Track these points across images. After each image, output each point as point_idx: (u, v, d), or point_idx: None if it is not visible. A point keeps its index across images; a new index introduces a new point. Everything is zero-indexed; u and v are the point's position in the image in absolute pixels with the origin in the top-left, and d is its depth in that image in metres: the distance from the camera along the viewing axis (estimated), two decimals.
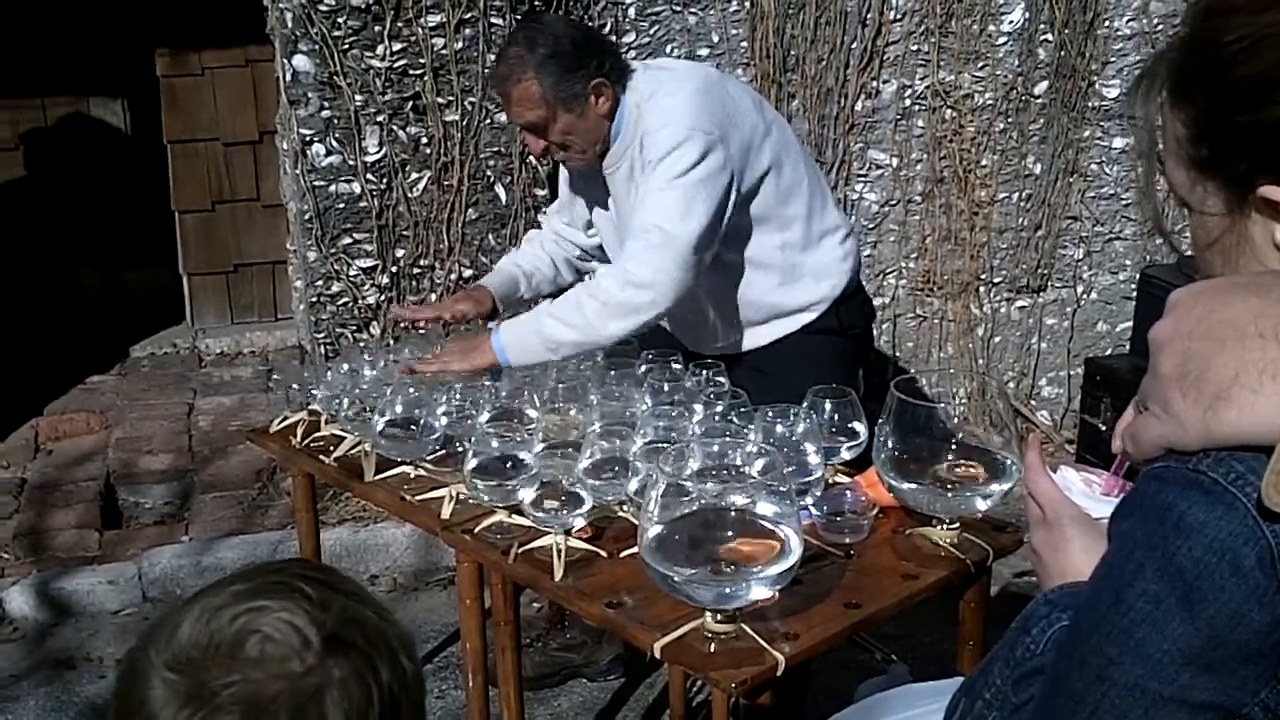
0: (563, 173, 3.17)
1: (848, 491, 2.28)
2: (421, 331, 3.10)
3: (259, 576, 1.12)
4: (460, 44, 4.02)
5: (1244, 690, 0.93)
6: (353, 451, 2.70)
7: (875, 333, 4.28)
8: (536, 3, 4.07)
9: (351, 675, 1.05)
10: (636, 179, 2.77)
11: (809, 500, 2.20)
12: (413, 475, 2.58)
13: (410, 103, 4.05)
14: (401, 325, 3.55)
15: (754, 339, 2.95)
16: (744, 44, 4.38)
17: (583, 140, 2.79)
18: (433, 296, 4.22)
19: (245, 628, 1.04)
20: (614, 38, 4.25)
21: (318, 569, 1.17)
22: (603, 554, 2.20)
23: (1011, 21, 4.52)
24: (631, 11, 4.27)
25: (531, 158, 2.91)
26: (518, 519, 2.30)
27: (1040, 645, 1.10)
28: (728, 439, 2.18)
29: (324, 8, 3.89)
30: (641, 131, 2.73)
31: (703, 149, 2.65)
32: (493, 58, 4.02)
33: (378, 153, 4.07)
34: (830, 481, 2.34)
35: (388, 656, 1.08)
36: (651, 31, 4.30)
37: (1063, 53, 4.56)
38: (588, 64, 2.72)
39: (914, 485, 2.10)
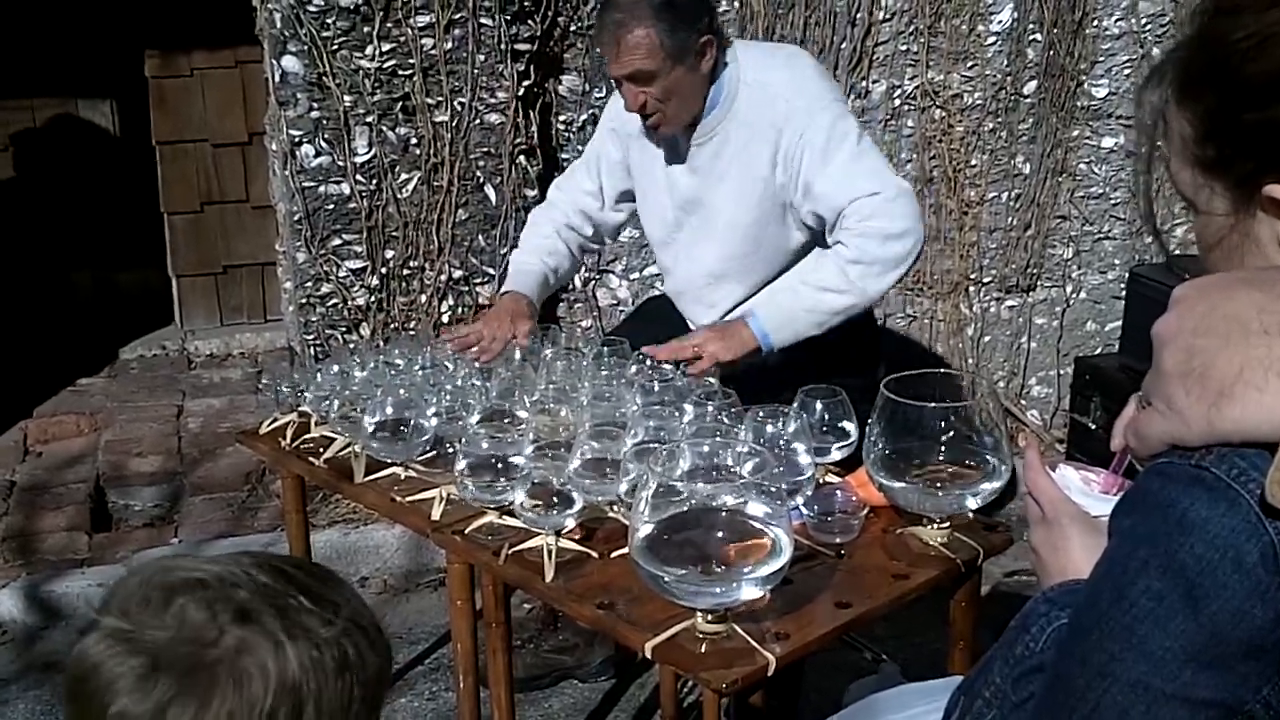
0: (604, 139, 3.09)
1: (838, 491, 2.28)
2: (412, 333, 3.09)
3: (227, 553, 1.17)
4: (449, 44, 4.01)
5: (1246, 687, 0.93)
6: (343, 453, 2.69)
7: None
8: (525, 3, 4.06)
9: (254, 660, 1.05)
10: (741, 152, 2.79)
11: (799, 500, 2.20)
12: (403, 476, 2.57)
13: (400, 103, 4.04)
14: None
15: None
16: None
17: (680, 98, 2.76)
18: (422, 298, 4.22)
19: (177, 587, 1.08)
20: None
21: (292, 562, 1.18)
22: (594, 555, 2.20)
23: (1000, 21, 4.52)
24: None
25: (624, 110, 2.77)
26: (508, 520, 2.29)
27: (1040, 643, 1.10)
28: (718, 439, 2.18)
29: (313, 8, 3.88)
30: (763, 100, 2.75)
31: (852, 116, 2.78)
32: (481, 58, 4.03)
33: (367, 153, 4.06)
34: (821, 481, 2.34)
35: (307, 651, 1.08)
36: None
37: (1051, 52, 4.57)
38: (701, 19, 2.72)
39: (904, 484, 2.10)
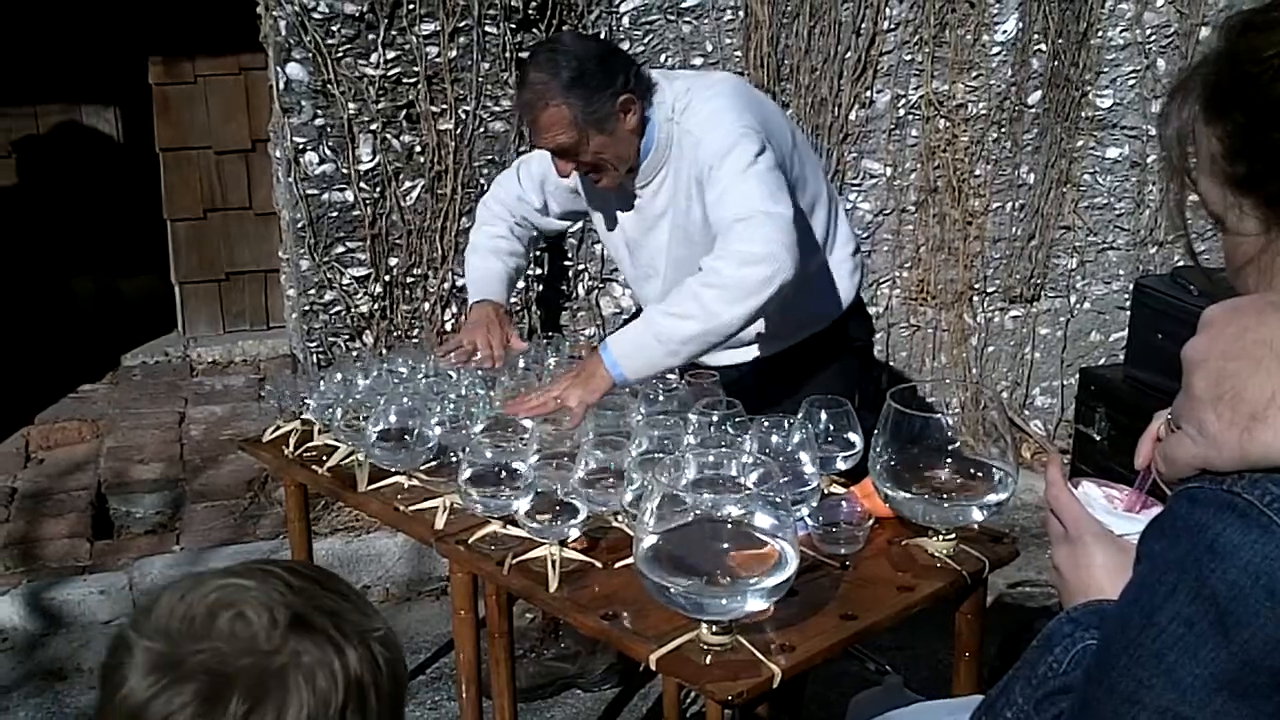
0: (551, 163, 2.93)
1: (843, 502, 2.27)
2: (416, 341, 3.08)
3: (242, 565, 1.16)
4: (454, 52, 4.01)
5: (1278, 717, 0.92)
6: (345, 461, 2.69)
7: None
8: (530, 12, 4.06)
9: (317, 661, 1.06)
10: (676, 191, 2.75)
11: (805, 511, 2.19)
12: (406, 485, 2.56)
13: (404, 111, 4.04)
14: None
15: (763, 348, 2.93)
16: (738, 53, 4.37)
17: (614, 158, 2.73)
18: (425, 305, 4.21)
19: (220, 602, 1.07)
20: None
21: (304, 565, 1.20)
22: (598, 565, 2.19)
23: (1005, 31, 4.52)
24: (626, 20, 4.27)
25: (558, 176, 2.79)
26: (512, 529, 2.29)
27: (1063, 664, 1.08)
28: (723, 449, 2.17)
29: (317, 16, 3.88)
30: (688, 142, 2.69)
31: (759, 143, 2.60)
32: (486, 66, 4.03)
33: (371, 161, 4.06)
34: (826, 492, 2.33)
35: (358, 648, 1.09)
36: (646, 40, 4.29)
37: (1056, 62, 4.57)
38: (614, 81, 2.66)
39: (910, 496, 2.09)
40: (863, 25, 4.43)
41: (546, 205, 3.10)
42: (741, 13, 4.33)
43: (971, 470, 2.10)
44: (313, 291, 4.15)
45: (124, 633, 1.09)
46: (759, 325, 2.75)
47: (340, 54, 3.93)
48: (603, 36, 4.23)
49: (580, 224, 3.24)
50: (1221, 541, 0.92)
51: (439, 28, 3.98)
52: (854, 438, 2.39)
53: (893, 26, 4.47)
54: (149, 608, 1.10)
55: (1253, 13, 1.02)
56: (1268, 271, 1.03)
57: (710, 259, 2.55)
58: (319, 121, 3.99)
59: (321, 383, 2.91)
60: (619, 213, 2.93)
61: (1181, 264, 4.59)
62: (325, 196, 4.06)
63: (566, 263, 4.46)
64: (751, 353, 2.92)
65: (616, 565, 2.17)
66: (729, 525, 1.86)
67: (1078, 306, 4.88)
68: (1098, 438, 4.35)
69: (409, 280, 4.20)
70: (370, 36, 3.94)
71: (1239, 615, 0.90)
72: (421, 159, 4.09)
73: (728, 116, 2.65)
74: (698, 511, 1.87)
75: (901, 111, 4.56)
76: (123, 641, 1.08)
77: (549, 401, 2.55)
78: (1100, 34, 4.60)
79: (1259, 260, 1.03)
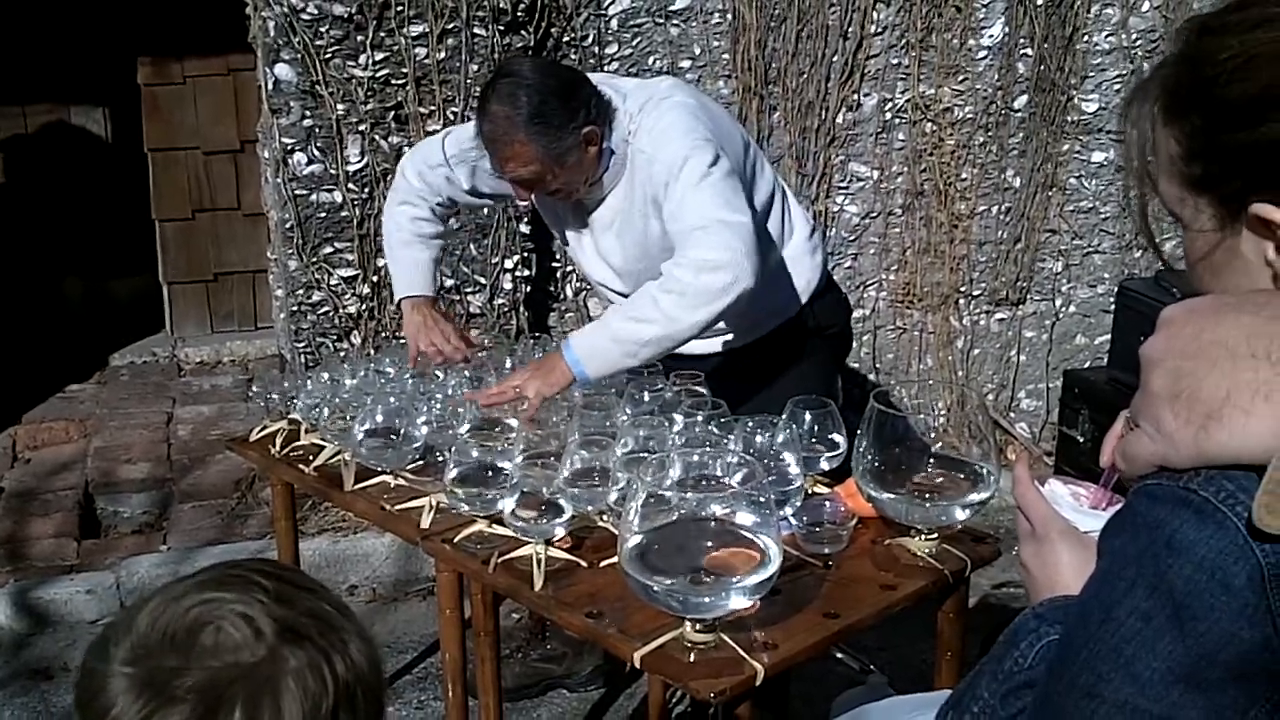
0: (481, 151, 2.86)
1: (827, 502, 2.28)
2: (403, 342, 3.10)
3: (217, 571, 1.15)
4: (443, 54, 4.02)
5: (1233, 709, 0.93)
6: (332, 461, 2.70)
7: (855, 345, 4.30)
8: (519, 14, 4.07)
9: (306, 666, 1.06)
10: (630, 206, 2.76)
11: (788, 510, 2.21)
12: (393, 485, 2.57)
13: (392, 112, 4.05)
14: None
15: (735, 338, 2.94)
16: (725, 56, 4.39)
17: (577, 182, 2.74)
18: None
19: (200, 618, 1.07)
20: (596, 49, 4.26)
21: (277, 566, 1.20)
22: (583, 564, 2.20)
23: (991, 36, 4.54)
24: (614, 23, 4.28)
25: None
26: (498, 529, 2.30)
27: (1029, 659, 1.10)
28: (708, 449, 2.18)
29: (306, 17, 3.89)
30: (641, 161, 2.70)
31: (713, 152, 2.61)
32: (474, 68, 4.04)
33: (359, 162, 4.07)
34: (810, 492, 2.34)
35: (342, 649, 1.10)
36: (634, 43, 4.31)
37: (1042, 67, 4.59)
38: (576, 115, 2.64)
39: (893, 496, 2.11)
40: (850, 29, 4.44)
41: (475, 188, 3.06)
42: (729, 16, 4.35)
43: (954, 470, 2.12)
44: (300, 292, 4.15)
45: (98, 651, 1.08)
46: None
47: (329, 55, 3.94)
48: (590, 39, 4.24)
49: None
50: (1178, 537, 0.93)
51: (427, 29, 3.99)
52: (838, 438, 2.40)
53: (879, 30, 4.49)
54: (124, 626, 1.08)
55: (1209, 16, 1.04)
56: (1221, 269, 1.04)
57: (670, 265, 2.57)
58: (307, 122, 4.00)
59: (309, 382, 2.92)
60: (569, 221, 2.95)
61: (1160, 268, 4.61)
62: (313, 197, 4.07)
63: (554, 264, 4.47)
64: (722, 342, 2.93)
65: (601, 564, 2.18)
66: (713, 524, 1.87)
67: (1063, 309, 4.90)
68: (1081, 439, 4.37)
69: None
70: (359, 38, 3.95)
71: (1195, 609, 0.92)
72: None
73: (678, 131, 2.65)
74: (682, 511, 1.88)
75: (888, 115, 4.58)
76: (101, 662, 1.07)
77: (508, 390, 2.62)
78: (1086, 39, 4.62)
79: (1214, 258, 1.05)
